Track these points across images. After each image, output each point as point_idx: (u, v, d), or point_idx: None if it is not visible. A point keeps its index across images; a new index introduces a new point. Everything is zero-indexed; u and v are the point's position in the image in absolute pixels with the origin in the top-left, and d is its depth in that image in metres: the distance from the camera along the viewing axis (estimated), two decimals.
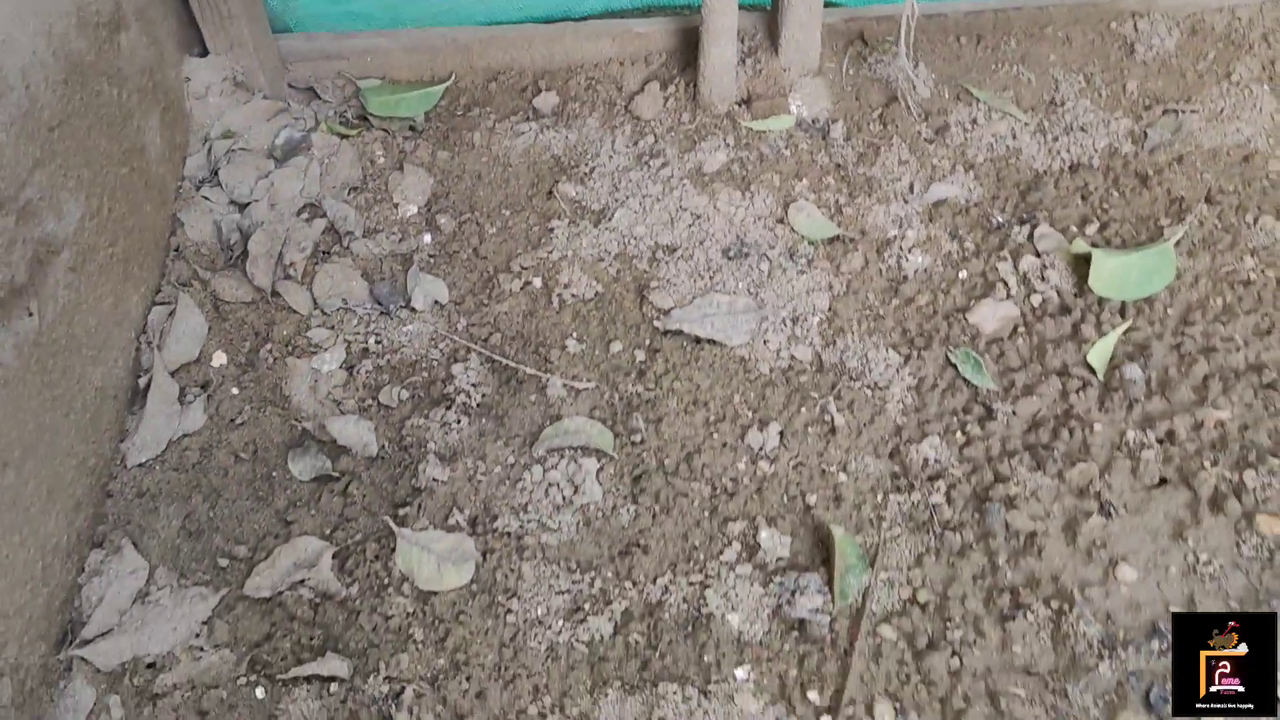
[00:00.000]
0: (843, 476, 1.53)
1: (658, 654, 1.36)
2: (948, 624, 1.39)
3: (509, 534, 1.46)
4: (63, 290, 1.41)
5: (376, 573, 1.43)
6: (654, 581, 1.42)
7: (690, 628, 1.39)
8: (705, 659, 1.36)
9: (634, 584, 1.42)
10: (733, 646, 1.37)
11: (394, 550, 1.43)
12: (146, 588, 1.41)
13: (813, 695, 1.34)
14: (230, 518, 1.48)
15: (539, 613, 1.40)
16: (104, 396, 1.51)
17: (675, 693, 1.33)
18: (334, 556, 1.43)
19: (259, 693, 1.33)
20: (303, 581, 1.41)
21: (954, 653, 1.37)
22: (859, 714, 1.32)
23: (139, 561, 1.43)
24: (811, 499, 1.50)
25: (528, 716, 1.32)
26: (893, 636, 1.39)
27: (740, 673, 1.35)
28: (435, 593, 1.41)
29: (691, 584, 1.42)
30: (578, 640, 1.38)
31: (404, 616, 1.39)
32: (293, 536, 1.46)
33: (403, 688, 1.33)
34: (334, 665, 1.34)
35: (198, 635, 1.37)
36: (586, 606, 1.40)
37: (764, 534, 1.46)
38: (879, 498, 1.51)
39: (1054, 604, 1.41)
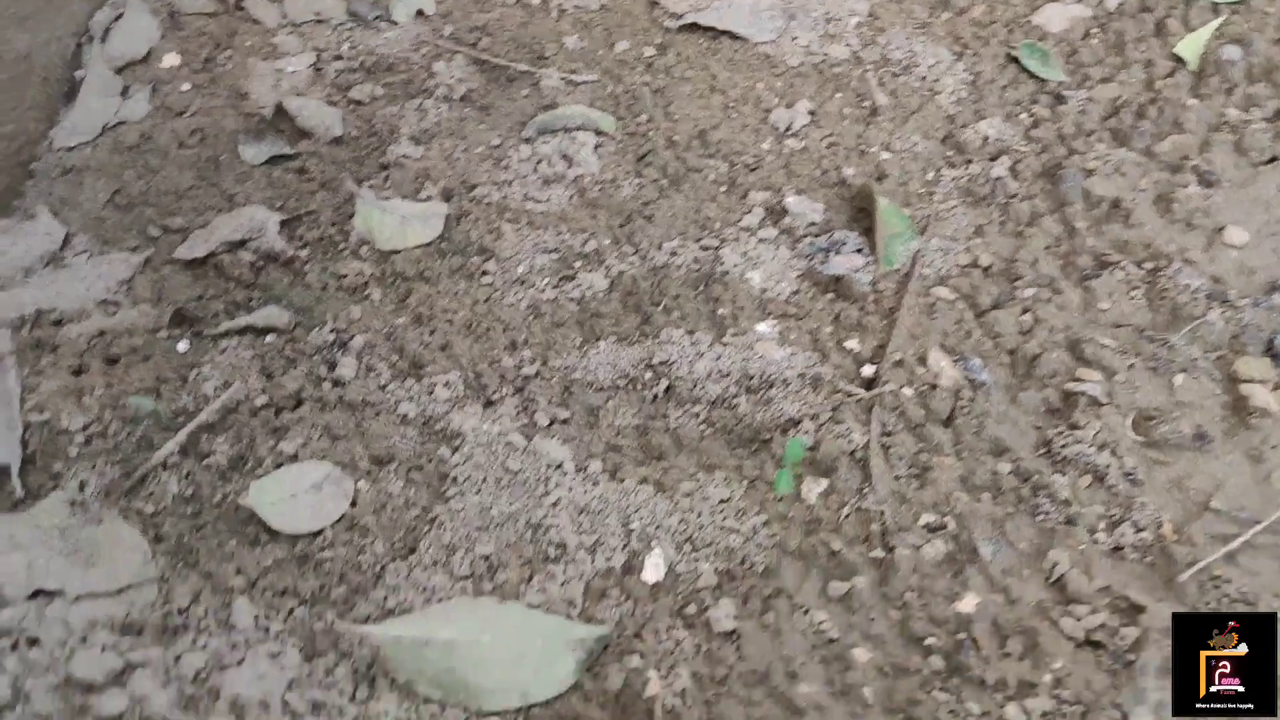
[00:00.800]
0: (886, 155, 1.29)
1: (661, 309, 1.12)
2: (1016, 284, 1.14)
3: (489, 203, 1.23)
4: None
5: (330, 236, 1.20)
6: (659, 247, 1.18)
7: (703, 285, 1.15)
8: (720, 312, 1.11)
9: (635, 248, 1.19)
10: (753, 303, 1.13)
11: (352, 217, 1.21)
12: (61, 252, 1.19)
13: (851, 344, 1.08)
14: (167, 193, 1.27)
15: (519, 272, 1.16)
16: (30, 68, 1.32)
17: (682, 338, 1.08)
18: (283, 224, 1.21)
19: (181, 346, 1.10)
20: (244, 243, 1.18)
21: (1026, 310, 1.11)
22: (909, 362, 1.06)
23: (54, 226, 1.21)
24: (849, 171, 1.26)
25: (501, 366, 1.07)
26: (949, 296, 1.13)
27: (763, 327, 1.10)
28: (397, 251, 1.18)
29: (705, 248, 1.18)
30: (566, 297, 1.14)
31: (359, 276, 1.16)
32: (237, 208, 1.24)
33: (352, 335, 1.09)
34: (272, 316, 1.11)
35: (115, 293, 1.14)
36: (577, 265, 1.17)
37: (791, 200, 1.22)
38: (930, 175, 1.27)
39: (1147, 265, 1.15)
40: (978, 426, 1.02)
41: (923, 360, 1.07)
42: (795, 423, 1.01)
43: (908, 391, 1.05)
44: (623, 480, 0.98)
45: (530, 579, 0.92)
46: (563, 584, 0.91)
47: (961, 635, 0.88)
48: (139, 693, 0.82)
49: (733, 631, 0.89)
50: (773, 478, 0.98)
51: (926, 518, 0.96)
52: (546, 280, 1.16)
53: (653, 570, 0.92)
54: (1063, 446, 1.00)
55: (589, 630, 0.88)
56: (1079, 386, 1.04)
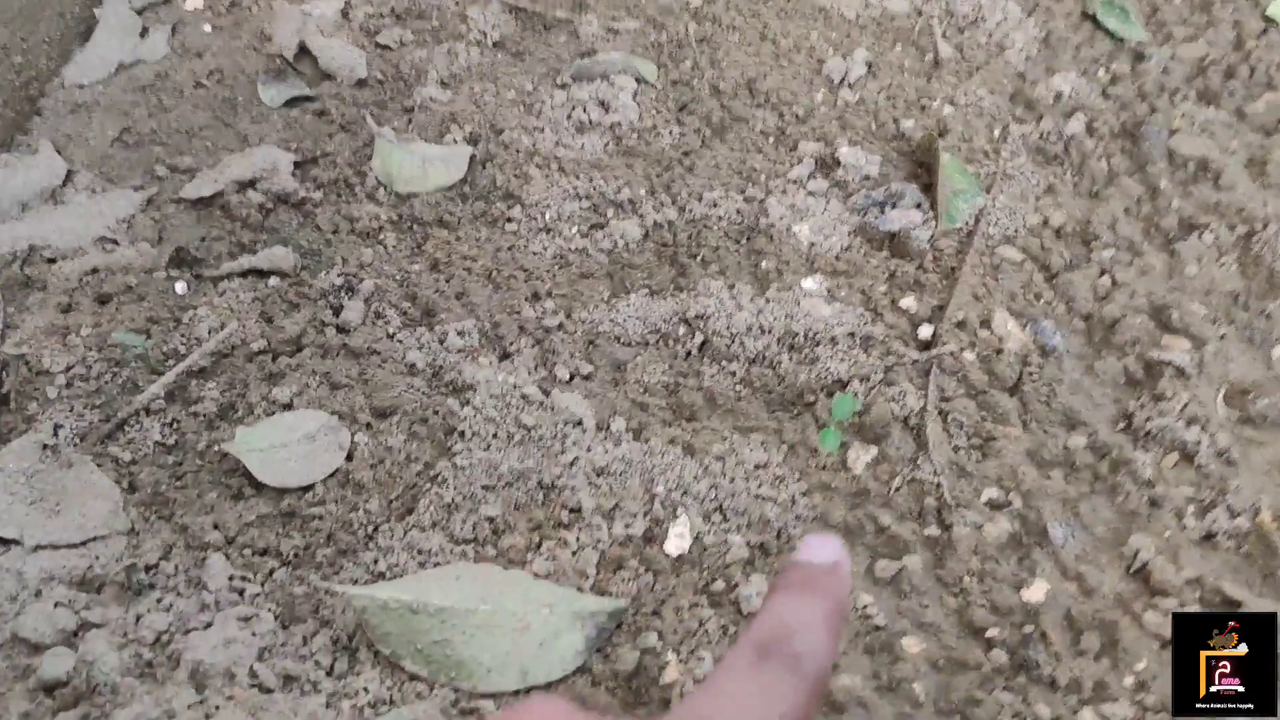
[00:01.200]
0: (949, 109, 1.18)
1: (698, 261, 1.02)
2: (1091, 246, 1.02)
3: (518, 148, 1.13)
4: None
5: (346, 179, 1.12)
6: (699, 198, 1.08)
7: (745, 238, 1.04)
8: (763, 266, 1.01)
9: (673, 199, 1.08)
10: (800, 258, 1.02)
11: (371, 160, 1.12)
12: (62, 189, 1.12)
13: (907, 303, 0.97)
14: (178, 132, 1.19)
15: (547, 219, 1.06)
16: (45, 2, 1.24)
17: (721, 291, 0.98)
18: (297, 166, 1.12)
19: (179, 287, 1.01)
20: (254, 184, 1.10)
21: (1103, 272, 0.99)
22: (971, 324, 0.95)
23: (56, 162, 1.14)
24: (908, 125, 1.15)
25: (521, 317, 0.97)
26: (1017, 257, 1.02)
27: (810, 283, 0.99)
28: (416, 194, 1.08)
29: (749, 200, 1.08)
30: (595, 247, 1.04)
31: (374, 220, 1.07)
32: (250, 149, 1.16)
33: (361, 280, 1.00)
34: (278, 257, 1.03)
35: (113, 231, 1.06)
36: (610, 214, 1.07)
37: (845, 151, 1.11)
38: (997, 131, 1.16)
39: (1239, 229, 1.03)
40: (1048, 395, 0.91)
41: (987, 323, 0.96)
42: (843, 384, 0.91)
43: (969, 355, 0.93)
44: (648, 441, 0.87)
45: (539, 545, 0.81)
46: (575, 552, 0.81)
47: (1028, 628, 0.77)
48: (89, 655, 0.73)
49: None
50: (815, 443, 0.87)
51: (989, 493, 0.85)
52: (575, 229, 1.06)
53: (677, 540, 0.81)
54: (1146, 420, 0.88)
55: (602, 604, 0.77)
56: (1164, 355, 0.92)
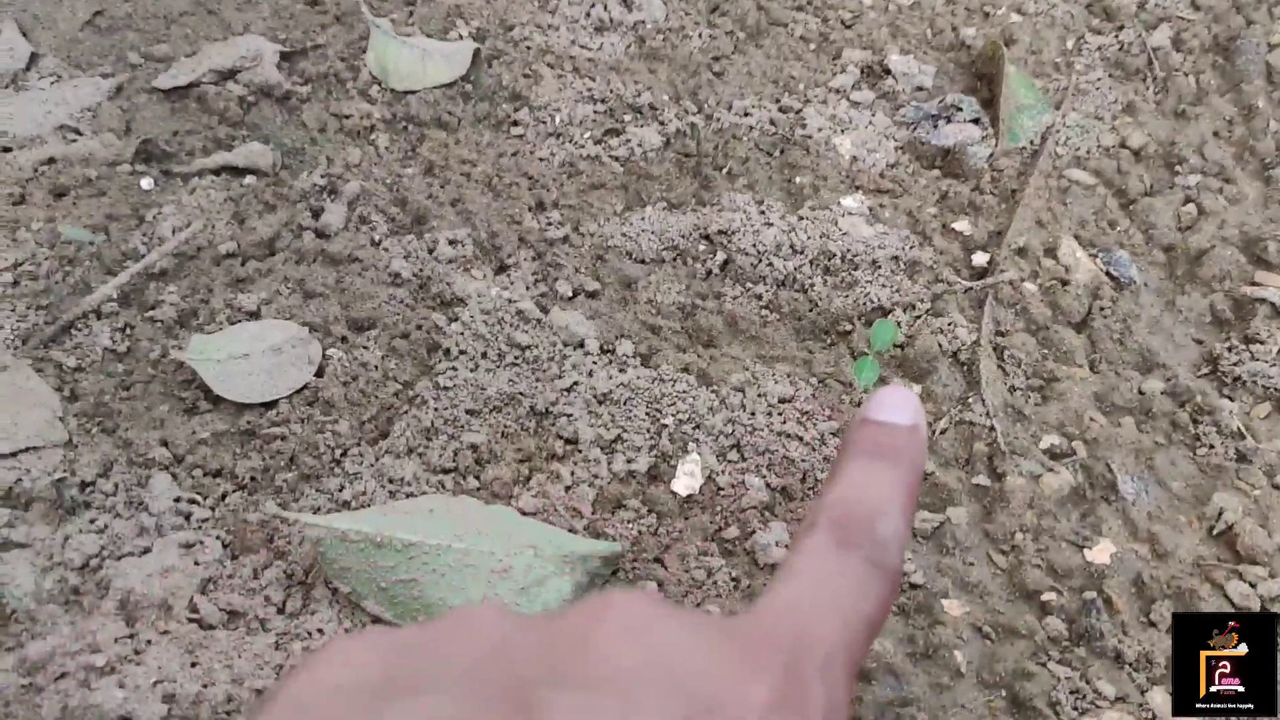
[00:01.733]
0: (1015, 17, 1.05)
1: (724, 174, 0.90)
2: (1176, 171, 0.89)
3: (529, 45, 1.02)
4: None
5: (337, 73, 1.00)
6: (729, 106, 0.96)
7: (778, 150, 0.92)
8: (797, 181, 0.89)
9: (699, 106, 0.96)
10: (839, 174, 0.90)
11: (365, 53, 1.00)
12: (25, 73, 1.01)
13: (960, 226, 0.85)
14: (155, 17, 1.08)
15: (556, 123, 0.95)
16: None
17: (748, 205, 0.86)
18: (283, 57, 1.01)
19: (145, 183, 0.91)
20: (234, 74, 0.98)
21: (1188, 200, 0.87)
22: (1033, 252, 0.82)
23: (20, 44, 1.03)
24: (969, 33, 1.02)
25: (521, 228, 0.86)
26: (1088, 180, 0.89)
27: (850, 201, 0.87)
28: (413, 92, 0.97)
29: (784, 110, 0.96)
30: (609, 155, 0.92)
31: (365, 119, 0.96)
32: (233, 38, 1.04)
33: (347, 181, 0.89)
34: (255, 154, 0.92)
35: (77, 120, 0.96)
36: (627, 119, 0.95)
37: (896, 59, 0.98)
38: (1069, 42, 1.02)
39: None
40: (1121, 333, 0.79)
41: (1052, 251, 0.84)
42: (884, 312, 0.79)
43: (1030, 286, 0.81)
44: (658, 367, 0.76)
45: (528, 479, 0.71)
46: (568, 488, 0.70)
47: (1090, 593, 0.66)
48: (3, 576, 0.63)
49: None
50: (849, 376, 0.75)
51: (1049, 440, 0.73)
52: (588, 134, 0.94)
53: (686, 480, 0.70)
54: (1234, 365, 0.76)
55: (596, 547, 0.67)
56: (1256, 293, 0.80)
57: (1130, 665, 0.63)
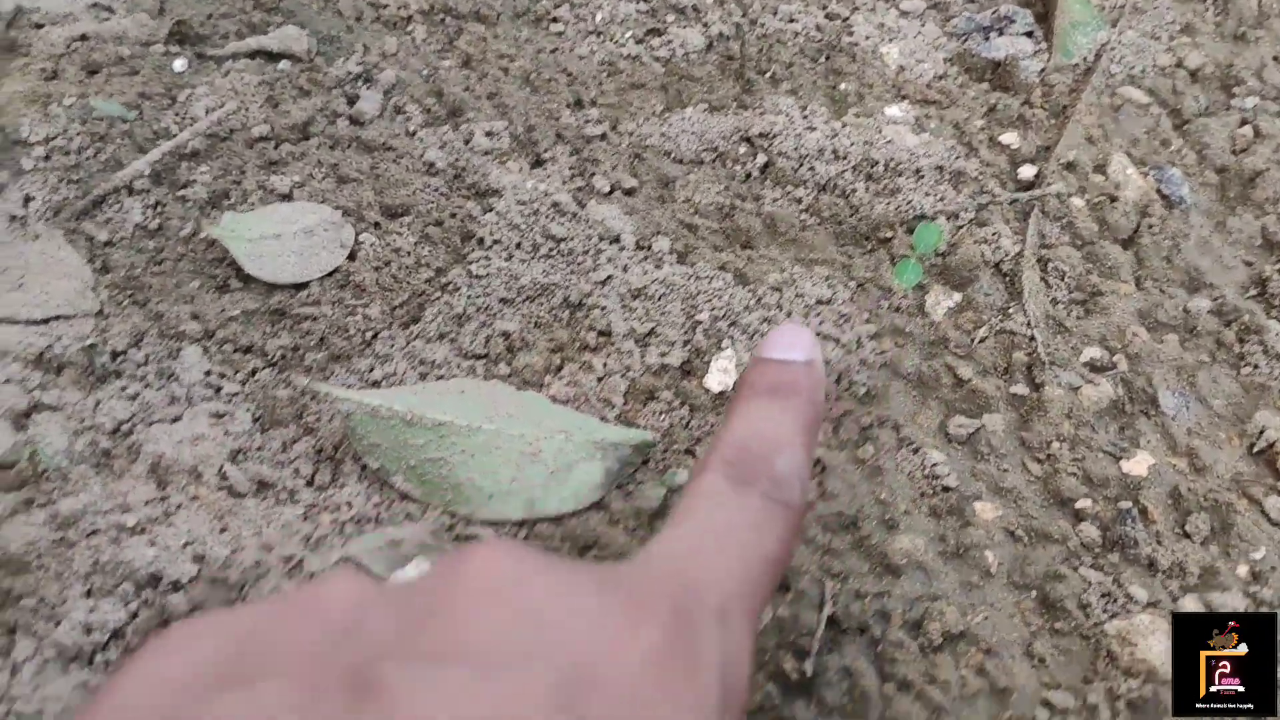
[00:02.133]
0: None
1: (768, 78, 0.88)
2: (1233, 93, 0.87)
3: None
4: None
5: None
6: (774, 11, 0.93)
7: (824, 56, 0.90)
8: (842, 88, 0.87)
9: (744, 9, 0.94)
10: (885, 82, 0.88)
11: None
12: None
13: (1008, 139, 0.83)
14: None
15: (598, 20, 0.93)
16: None
17: (791, 108, 0.84)
18: None
19: (178, 64, 0.89)
20: None
21: (1245, 122, 0.85)
22: (1082, 167, 0.81)
23: None
24: None
25: (559, 124, 0.84)
26: (1142, 99, 0.87)
27: (895, 110, 0.85)
28: None
29: (831, 16, 0.93)
30: (650, 55, 0.90)
31: (402, 9, 0.94)
32: None
33: (382, 70, 0.88)
34: (290, 38, 0.90)
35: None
36: (670, 20, 0.93)
37: None
38: None
39: None
40: (1169, 251, 0.77)
41: (1101, 167, 0.82)
42: (928, 220, 0.77)
43: (1078, 201, 0.80)
44: (694, 265, 0.75)
45: (559, 368, 0.70)
46: (601, 379, 0.69)
47: (1126, 503, 0.65)
48: (35, 436, 0.62)
49: (815, 461, 0.67)
50: (889, 281, 0.74)
51: (1090, 353, 0.72)
52: (629, 33, 0.92)
53: (720, 375, 0.69)
54: None
55: (627, 435, 0.66)
56: None
57: (1164, 573, 0.62)
